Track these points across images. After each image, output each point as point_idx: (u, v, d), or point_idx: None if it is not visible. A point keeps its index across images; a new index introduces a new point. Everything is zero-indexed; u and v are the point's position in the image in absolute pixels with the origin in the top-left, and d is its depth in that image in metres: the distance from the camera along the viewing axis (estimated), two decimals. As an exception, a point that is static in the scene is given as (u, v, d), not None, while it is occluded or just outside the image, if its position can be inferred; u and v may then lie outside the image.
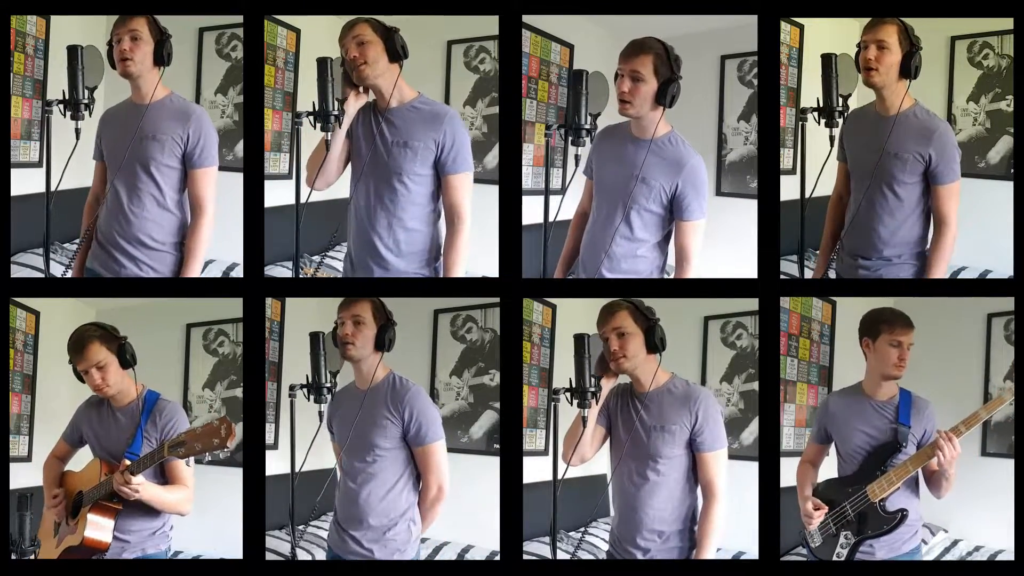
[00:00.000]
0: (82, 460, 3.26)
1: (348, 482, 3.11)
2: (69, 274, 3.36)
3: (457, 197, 3.10)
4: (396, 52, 3.08)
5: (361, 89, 3.11)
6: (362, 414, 3.09)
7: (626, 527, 3.09)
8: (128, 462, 3.06)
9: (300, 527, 3.73)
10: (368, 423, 3.08)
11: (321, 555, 3.77)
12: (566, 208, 3.17)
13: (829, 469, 3.30)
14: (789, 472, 3.31)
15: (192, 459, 3.07)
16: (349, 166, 3.19)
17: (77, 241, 3.36)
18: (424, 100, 3.13)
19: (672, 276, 3.19)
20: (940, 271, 3.14)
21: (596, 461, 3.29)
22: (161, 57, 3.16)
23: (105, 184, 3.25)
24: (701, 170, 3.08)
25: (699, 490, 3.08)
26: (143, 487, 3.03)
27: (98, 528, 3.09)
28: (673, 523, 3.06)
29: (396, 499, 3.09)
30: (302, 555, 3.72)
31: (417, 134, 3.09)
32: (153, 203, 3.17)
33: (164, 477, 3.15)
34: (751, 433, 4.04)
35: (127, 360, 3.15)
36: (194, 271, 3.17)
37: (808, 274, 3.45)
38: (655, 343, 3.04)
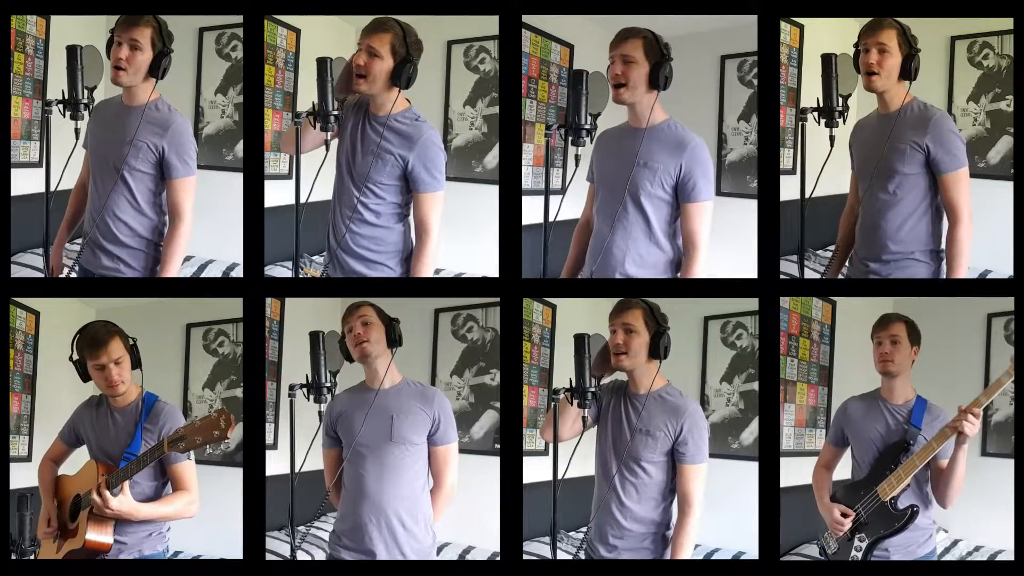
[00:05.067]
0: (78, 462, 3.26)
1: (369, 481, 3.12)
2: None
3: (423, 213, 3.14)
4: (399, 80, 3.09)
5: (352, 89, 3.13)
6: (391, 409, 3.13)
7: (600, 524, 3.11)
8: (105, 478, 3.06)
9: (300, 527, 3.73)
10: (400, 417, 3.13)
11: (321, 555, 3.77)
12: (566, 208, 3.17)
13: (843, 473, 3.30)
14: (789, 472, 3.31)
15: (193, 455, 3.08)
16: (319, 154, 3.20)
17: (78, 242, 3.36)
18: (408, 114, 3.14)
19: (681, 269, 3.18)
20: (960, 265, 3.07)
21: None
22: (157, 70, 3.16)
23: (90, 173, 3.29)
24: (704, 150, 3.07)
25: (675, 499, 3.10)
26: (111, 507, 3.02)
27: (99, 529, 3.09)
28: (645, 525, 3.08)
29: (420, 498, 3.14)
30: (302, 555, 3.72)
31: (387, 147, 3.11)
32: (126, 204, 3.19)
33: (164, 478, 3.16)
34: (751, 433, 4.04)
35: (137, 360, 3.17)
36: (169, 275, 3.20)
37: (809, 274, 3.45)
38: (659, 349, 3.05)
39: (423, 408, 3.15)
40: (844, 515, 3.19)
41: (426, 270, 3.16)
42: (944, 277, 3.13)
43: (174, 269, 3.21)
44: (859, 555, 3.16)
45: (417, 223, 3.16)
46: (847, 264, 3.30)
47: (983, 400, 3.07)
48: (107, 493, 3.02)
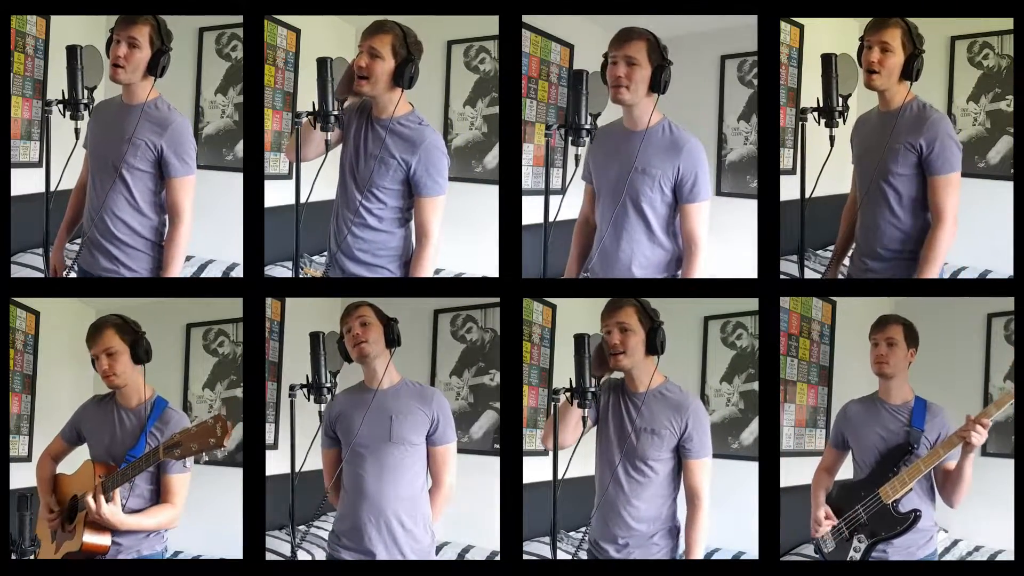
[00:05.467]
0: (76, 461, 3.26)
1: (368, 482, 3.12)
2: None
3: (425, 218, 3.14)
4: (402, 80, 3.09)
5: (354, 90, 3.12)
6: (390, 410, 3.14)
7: (606, 524, 3.11)
8: (101, 479, 3.06)
9: (300, 527, 3.73)
10: (399, 418, 3.13)
11: (321, 555, 3.78)
12: (566, 208, 3.17)
13: (844, 474, 3.30)
14: (789, 472, 3.31)
15: (191, 461, 3.08)
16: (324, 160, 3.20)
17: (78, 241, 3.36)
18: (412, 118, 3.14)
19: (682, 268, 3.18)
20: (931, 267, 3.07)
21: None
22: (156, 68, 3.17)
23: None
24: (699, 150, 3.09)
25: (682, 495, 3.11)
26: (104, 514, 3.02)
27: (96, 531, 3.08)
28: (653, 523, 3.08)
29: (419, 498, 3.15)
30: (302, 555, 3.72)
31: (392, 151, 3.11)
32: (124, 203, 3.20)
33: (157, 484, 3.15)
34: (751, 433, 4.03)
35: (140, 355, 3.16)
36: (172, 276, 3.21)
37: (809, 274, 3.45)
38: (655, 345, 3.06)
39: (422, 408, 3.16)
40: (827, 517, 3.19)
41: (424, 274, 3.16)
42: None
43: (177, 269, 3.21)
44: (857, 556, 3.16)
45: (418, 227, 3.16)
46: (848, 261, 3.30)
47: (993, 411, 3.05)
48: (101, 499, 3.02)
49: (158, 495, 3.16)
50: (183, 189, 3.19)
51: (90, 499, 3.03)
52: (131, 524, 3.09)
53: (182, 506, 3.16)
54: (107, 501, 3.03)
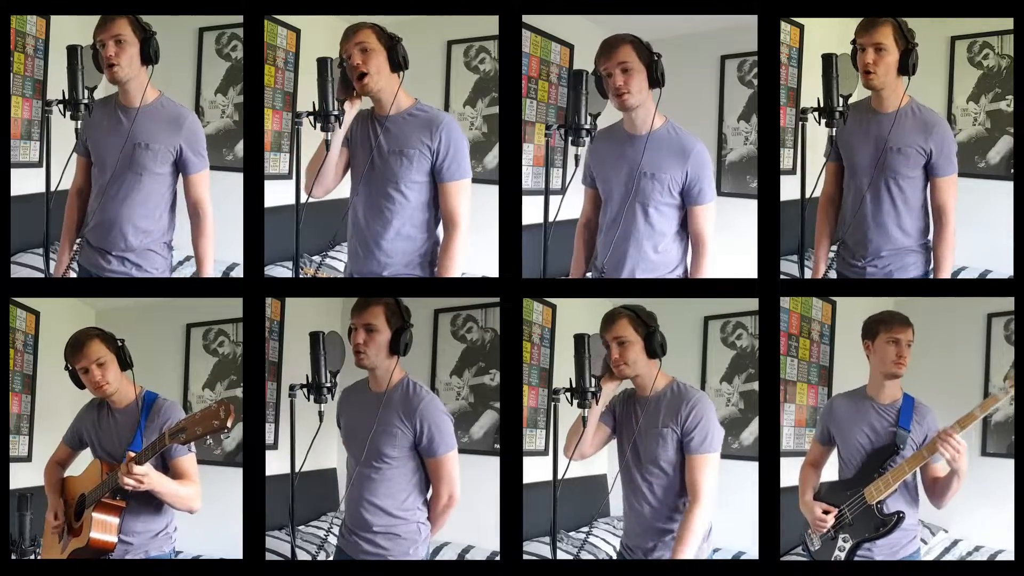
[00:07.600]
0: (82, 464, 3.26)
1: (355, 486, 3.10)
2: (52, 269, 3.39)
3: (453, 204, 3.09)
4: (398, 62, 3.08)
5: (355, 93, 3.09)
6: (371, 420, 3.06)
7: (631, 527, 3.11)
8: (132, 454, 3.06)
9: (300, 527, 3.73)
10: (378, 430, 3.05)
11: (321, 555, 3.78)
12: (566, 208, 3.17)
13: (831, 472, 3.30)
14: (789, 472, 3.31)
15: (194, 449, 3.09)
16: (347, 174, 3.19)
17: (78, 242, 3.36)
18: (420, 106, 3.12)
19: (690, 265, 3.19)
20: (949, 263, 3.18)
21: (595, 460, 3.29)
22: (148, 56, 3.17)
23: (87, 179, 3.28)
24: (705, 153, 3.12)
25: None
26: (149, 476, 3.00)
27: (103, 528, 3.09)
28: (673, 523, 3.06)
29: (402, 507, 3.07)
30: (302, 555, 3.72)
31: (412, 141, 3.07)
32: (142, 208, 3.20)
33: (169, 475, 3.14)
34: (751, 433, 4.04)
35: (126, 361, 3.16)
36: (207, 273, 3.23)
37: (809, 274, 3.45)
38: (655, 349, 3.05)
39: (402, 422, 3.03)
40: (826, 512, 3.18)
41: (455, 265, 3.09)
42: (932, 269, 3.21)
43: (210, 268, 3.23)
44: (842, 555, 3.16)
45: (445, 216, 3.10)
46: (833, 257, 3.30)
47: (957, 429, 3.04)
48: (134, 466, 2.98)
49: None
50: (202, 183, 3.21)
51: (125, 476, 2.98)
52: (168, 484, 3.06)
53: (199, 486, 3.15)
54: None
